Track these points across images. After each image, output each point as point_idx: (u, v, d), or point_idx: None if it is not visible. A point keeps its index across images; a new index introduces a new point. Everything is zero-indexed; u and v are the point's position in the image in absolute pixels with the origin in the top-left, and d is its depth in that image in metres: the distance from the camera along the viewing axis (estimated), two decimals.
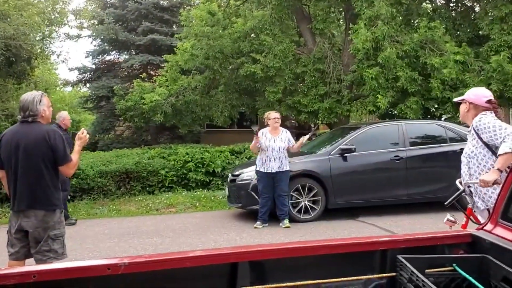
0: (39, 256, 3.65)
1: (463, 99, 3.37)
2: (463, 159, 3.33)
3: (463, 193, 3.20)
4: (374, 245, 2.17)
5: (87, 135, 3.83)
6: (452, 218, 3.18)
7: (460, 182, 3.33)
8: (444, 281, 2.04)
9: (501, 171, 2.85)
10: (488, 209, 3.06)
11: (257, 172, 6.83)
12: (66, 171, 3.67)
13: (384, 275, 2.12)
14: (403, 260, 2.02)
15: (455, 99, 3.62)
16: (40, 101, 3.60)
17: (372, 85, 9.59)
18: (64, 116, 7.49)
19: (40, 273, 1.72)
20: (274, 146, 6.67)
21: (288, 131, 6.93)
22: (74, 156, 3.71)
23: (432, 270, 2.05)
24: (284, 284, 2.00)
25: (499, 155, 2.93)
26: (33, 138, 3.52)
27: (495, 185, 2.86)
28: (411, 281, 1.92)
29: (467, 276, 2.00)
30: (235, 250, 2.00)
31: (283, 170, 6.68)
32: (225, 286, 1.95)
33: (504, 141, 2.94)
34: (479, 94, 3.29)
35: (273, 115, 6.94)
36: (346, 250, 2.12)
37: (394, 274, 2.09)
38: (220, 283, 1.95)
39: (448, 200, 3.16)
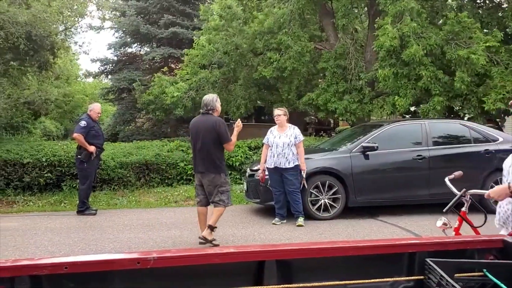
0: (214, 204, 5.41)
1: None
2: None
3: (461, 198, 3.14)
4: (402, 247, 2.13)
5: (241, 124, 5.50)
6: (445, 221, 3.21)
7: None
8: (474, 286, 2.00)
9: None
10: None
11: (267, 167, 6.85)
12: (227, 147, 5.40)
13: (412, 277, 2.09)
14: (432, 263, 1.98)
15: None
16: (216, 100, 5.38)
17: (385, 86, 9.47)
18: (92, 107, 7.74)
19: (71, 265, 1.74)
20: (278, 142, 6.67)
21: (296, 128, 6.87)
22: (233, 138, 5.41)
23: (461, 274, 2.01)
24: (311, 284, 1.98)
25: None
26: (208, 125, 5.26)
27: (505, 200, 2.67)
28: (440, 285, 1.89)
29: (498, 282, 1.95)
30: (263, 248, 1.99)
31: (289, 166, 6.61)
32: (251, 283, 1.94)
33: None
34: None
35: (275, 112, 6.94)
36: (374, 251, 2.09)
37: (422, 277, 2.05)
38: (246, 281, 1.94)
39: (447, 206, 3.11)
